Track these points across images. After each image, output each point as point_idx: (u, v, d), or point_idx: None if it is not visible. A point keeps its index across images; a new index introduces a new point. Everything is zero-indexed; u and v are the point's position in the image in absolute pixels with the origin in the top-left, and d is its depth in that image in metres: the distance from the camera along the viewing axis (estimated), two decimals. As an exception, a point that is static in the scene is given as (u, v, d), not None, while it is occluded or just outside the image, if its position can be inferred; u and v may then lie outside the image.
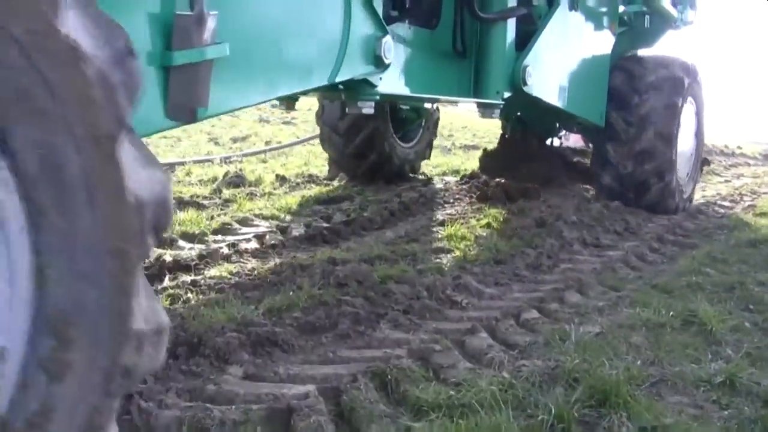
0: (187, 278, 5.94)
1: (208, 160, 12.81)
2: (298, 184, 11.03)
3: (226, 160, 12.87)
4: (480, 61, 7.57)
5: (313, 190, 10.50)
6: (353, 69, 5.48)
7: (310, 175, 11.67)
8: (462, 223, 8.42)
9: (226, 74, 4.20)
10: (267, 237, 7.67)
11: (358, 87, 5.88)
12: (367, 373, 3.98)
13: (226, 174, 10.65)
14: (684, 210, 10.22)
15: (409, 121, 11.68)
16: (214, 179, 10.30)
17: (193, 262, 6.44)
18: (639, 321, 5.16)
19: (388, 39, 5.66)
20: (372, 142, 10.77)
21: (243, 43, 4.36)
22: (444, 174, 13.32)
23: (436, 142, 13.61)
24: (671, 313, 5.32)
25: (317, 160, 13.40)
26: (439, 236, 7.90)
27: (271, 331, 4.53)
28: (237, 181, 10.27)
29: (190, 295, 5.46)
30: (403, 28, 6.67)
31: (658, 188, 9.73)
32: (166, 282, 5.87)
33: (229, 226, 8.13)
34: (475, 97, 7.60)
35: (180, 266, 6.35)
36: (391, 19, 6.41)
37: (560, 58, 8.55)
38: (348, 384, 3.82)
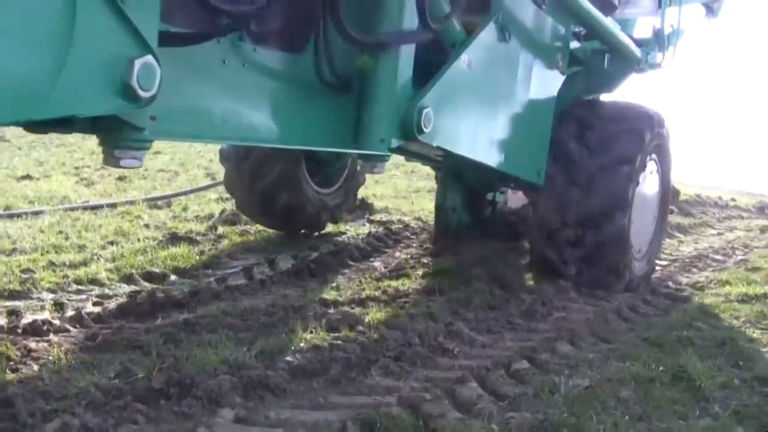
0: (180, 317, 5.99)
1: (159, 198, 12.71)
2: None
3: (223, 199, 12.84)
4: (362, 100, 5.80)
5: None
6: (79, 101, 3.67)
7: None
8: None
9: None
10: (255, 270, 7.90)
11: (114, 129, 4.14)
12: (357, 420, 4.01)
13: (222, 211, 10.70)
14: (636, 289, 8.33)
15: (327, 163, 10.02)
16: (210, 216, 10.36)
17: (185, 300, 6.52)
18: (628, 375, 5.18)
19: (146, 61, 3.82)
20: (282, 186, 9.26)
21: None
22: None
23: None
24: (661, 367, 5.35)
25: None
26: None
27: (263, 375, 4.58)
28: (233, 218, 10.31)
29: (183, 334, 5.50)
30: (241, 49, 4.95)
31: (605, 265, 8.01)
32: (159, 320, 5.93)
33: (218, 260, 8.32)
34: (356, 145, 5.83)
35: (173, 303, 6.42)
36: (220, 32, 4.72)
37: (479, 100, 6.76)
38: (337, 431, 3.87)
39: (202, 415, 4.07)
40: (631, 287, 8.21)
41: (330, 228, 10.49)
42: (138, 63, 3.76)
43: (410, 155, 8.55)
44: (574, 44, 8.47)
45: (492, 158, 7.13)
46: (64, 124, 4.05)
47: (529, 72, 7.50)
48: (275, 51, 5.25)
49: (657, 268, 9.58)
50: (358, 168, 10.51)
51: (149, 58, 3.83)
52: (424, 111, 5.70)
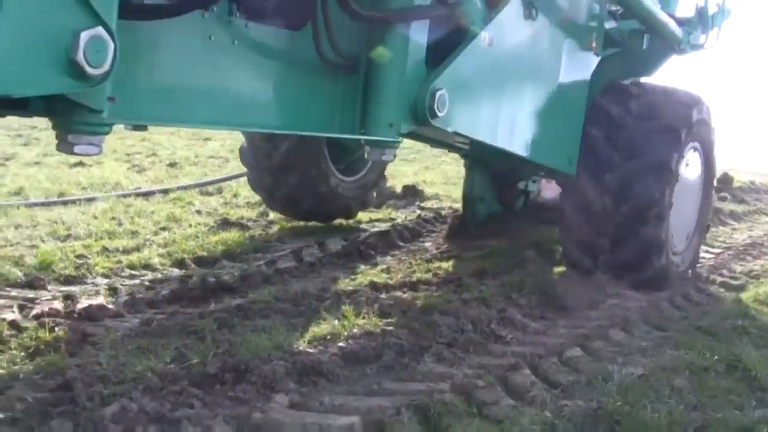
0: (232, 302, 6.06)
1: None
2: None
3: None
4: (369, 81, 5.37)
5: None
6: (16, 79, 3.28)
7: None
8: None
9: None
10: (304, 252, 8.04)
11: (68, 111, 3.68)
12: (411, 406, 4.05)
13: None
14: (678, 285, 7.80)
15: (351, 150, 9.43)
16: (261, 202, 10.45)
17: (236, 284, 6.60)
18: (683, 364, 5.17)
19: (95, 34, 3.36)
20: (307, 181, 8.95)
21: None
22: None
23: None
24: (715, 356, 5.33)
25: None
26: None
27: (317, 360, 4.63)
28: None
29: (236, 319, 5.56)
30: (230, 25, 4.52)
31: (642, 269, 7.42)
32: (212, 305, 6.00)
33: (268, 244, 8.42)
34: (363, 131, 5.40)
35: (224, 288, 6.50)
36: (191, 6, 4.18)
37: (501, 82, 6.30)
38: (391, 417, 3.90)
39: (257, 400, 4.12)
40: (671, 284, 7.69)
41: (380, 214, 10.52)
42: (85, 36, 3.32)
43: (429, 142, 8.41)
44: (610, 24, 8.01)
45: (516, 145, 6.71)
46: (18, 106, 3.71)
47: (559, 53, 7.10)
48: (270, 27, 4.81)
49: (710, 256, 9.50)
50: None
51: (99, 30, 3.38)
52: (438, 93, 5.34)
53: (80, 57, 3.32)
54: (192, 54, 4.33)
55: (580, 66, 7.53)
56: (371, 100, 5.32)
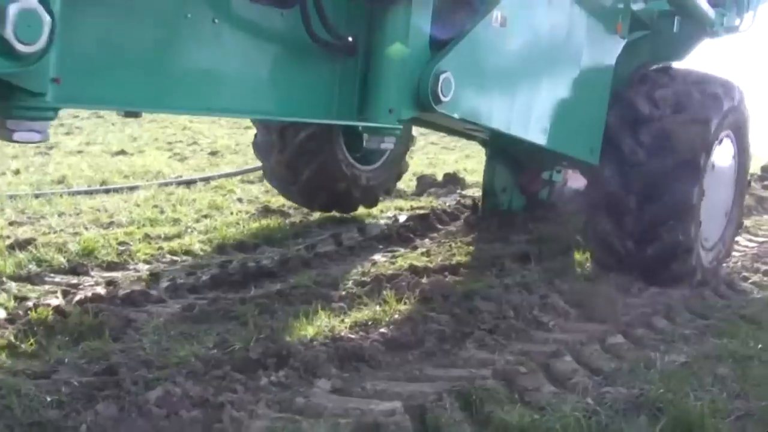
0: (273, 287, 6.14)
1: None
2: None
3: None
4: (367, 63, 4.94)
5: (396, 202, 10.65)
6: None
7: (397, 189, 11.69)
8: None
9: None
10: (343, 236, 8.13)
11: (4, 93, 3.19)
12: (452, 392, 4.06)
13: None
14: (707, 283, 7.22)
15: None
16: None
17: (276, 269, 6.69)
18: (726, 352, 5.12)
19: (25, 7, 2.96)
20: (324, 172, 8.58)
21: None
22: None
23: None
24: (759, 345, 5.28)
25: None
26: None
27: (359, 346, 4.68)
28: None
29: (277, 305, 5.61)
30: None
31: (670, 269, 6.93)
32: (253, 291, 6.06)
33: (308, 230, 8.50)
34: (361, 117, 4.97)
35: (264, 273, 6.57)
36: None
37: (515, 65, 5.81)
38: (433, 402, 3.91)
39: (299, 385, 4.17)
40: (701, 281, 7.15)
41: (422, 202, 10.55)
42: (12, 9, 2.92)
43: (442, 129, 8.20)
44: (638, 5, 7.41)
45: (532, 133, 6.21)
46: None
47: (581, 34, 6.58)
48: (256, 4, 4.32)
49: (753, 245, 9.41)
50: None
51: (30, 2, 2.97)
52: (443, 76, 4.85)
53: (8, 33, 2.93)
54: (165, 31, 3.89)
55: (603, 50, 7.04)
56: (370, 84, 4.89)
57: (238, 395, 3.96)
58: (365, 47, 4.90)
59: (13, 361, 4.40)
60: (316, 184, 8.63)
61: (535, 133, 6.25)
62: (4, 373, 4.15)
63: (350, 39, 4.82)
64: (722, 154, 7.55)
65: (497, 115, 5.74)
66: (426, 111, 5.04)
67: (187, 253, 7.28)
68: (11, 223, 7.91)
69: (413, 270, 6.76)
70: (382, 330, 5.08)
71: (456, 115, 5.24)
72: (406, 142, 9.71)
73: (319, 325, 5.11)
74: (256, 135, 8.85)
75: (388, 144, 5.11)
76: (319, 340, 4.80)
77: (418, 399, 4.01)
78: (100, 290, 5.79)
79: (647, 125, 7.00)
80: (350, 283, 6.31)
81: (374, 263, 7.11)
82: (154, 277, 6.37)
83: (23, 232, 7.39)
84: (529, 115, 6.11)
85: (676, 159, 6.78)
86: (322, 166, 8.48)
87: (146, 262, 6.91)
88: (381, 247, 7.88)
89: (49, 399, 3.82)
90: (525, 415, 3.83)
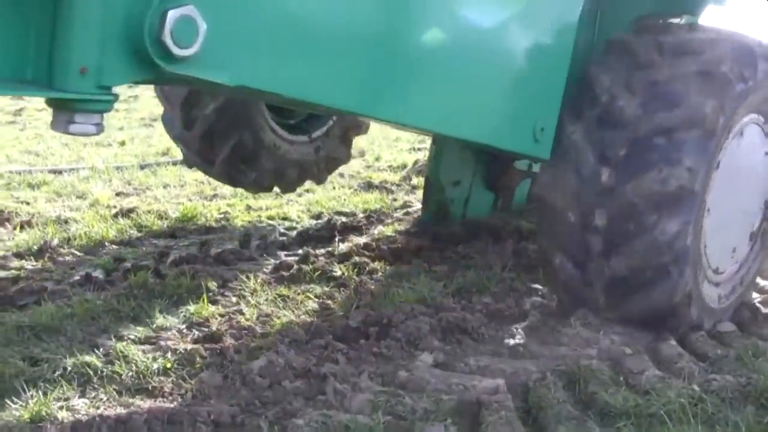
0: (360, 239, 6.72)
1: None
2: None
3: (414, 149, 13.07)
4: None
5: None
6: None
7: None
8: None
9: None
10: None
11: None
12: (556, 371, 4.34)
13: (415, 162, 11.13)
14: (706, 329, 5.36)
15: None
16: (403, 166, 10.94)
17: (371, 227, 7.30)
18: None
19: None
20: (244, 148, 7.24)
21: None
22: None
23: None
24: None
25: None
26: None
27: (461, 318, 5.00)
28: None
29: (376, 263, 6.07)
30: None
31: (653, 294, 5.00)
32: (341, 246, 6.67)
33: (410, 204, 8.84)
34: (46, 84, 3.27)
35: (353, 227, 7.31)
36: None
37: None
38: (536, 381, 4.22)
39: (401, 357, 4.52)
40: (703, 323, 5.36)
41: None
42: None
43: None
44: None
45: (409, 114, 4.50)
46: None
47: None
48: None
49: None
50: None
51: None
52: (173, 15, 3.23)
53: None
54: None
55: None
56: (57, 33, 3.28)
57: (340, 366, 4.31)
58: None
59: (117, 325, 4.91)
60: (236, 161, 7.40)
61: (416, 114, 4.54)
62: (111, 338, 4.65)
63: None
64: (743, 149, 5.51)
65: (322, 84, 4.00)
66: (149, 74, 3.41)
67: (284, 218, 7.96)
68: (118, 194, 8.59)
69: (519, 234, 7.02)
70: (486, 300, 5.41)
71: (206, 77, 3.54)
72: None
73: (421, 292, 5.45)
74: (164, 112, 7.51)
75: (87, 126, 3.36)
76: (420, 309, 5.13)
77: (521, 377, 4.29)
78: (194, 250, 6.36)
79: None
80: (454, 245, 6.70)
81: (479, 224, 7.31)
82: (247, 237, 6.98)
83: (128, 203, 8.08)
84: (401, 87, 4.38)
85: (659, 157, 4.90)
86: (240, 140, 7.23)
87: (242, 227, 7.56)
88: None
89: (155, 366, 4.28)
90: (629, 398, 4.05)
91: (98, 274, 5.90)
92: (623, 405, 4.01)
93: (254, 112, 7.14)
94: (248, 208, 8.31)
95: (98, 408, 3.83)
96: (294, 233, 7.22)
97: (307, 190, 9.30)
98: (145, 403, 3.92)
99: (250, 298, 5.42)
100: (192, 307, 5.23)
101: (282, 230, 7.37)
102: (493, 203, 7.55)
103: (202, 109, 6.95)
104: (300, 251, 6.55)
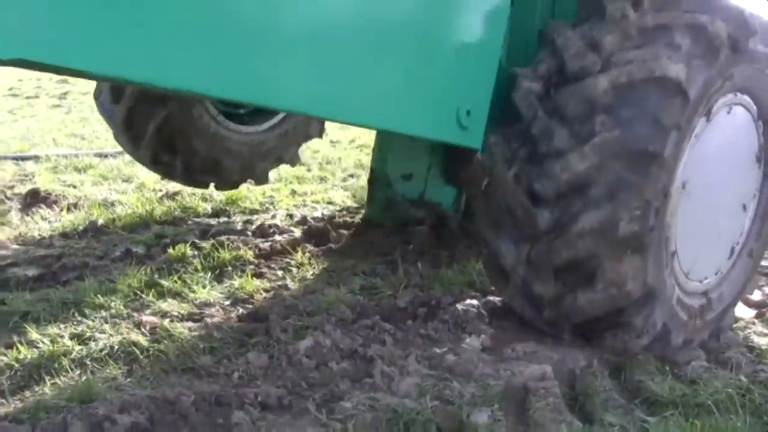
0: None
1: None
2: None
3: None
4: None
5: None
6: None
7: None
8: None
9: None
10: None
11: None
12: (603, 359, 4.45)
13: None
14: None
15: None
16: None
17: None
18: None
19: None
20: (172, 130, 6.85)
21: None
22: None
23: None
24: None
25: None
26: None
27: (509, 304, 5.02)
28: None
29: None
30: None
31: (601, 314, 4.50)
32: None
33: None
34: None
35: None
36: None
37: None
38: (583, 369, 4.33)
39: (448, 340, 4.62)
40: (669, 344, 4.71)
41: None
42: None
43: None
44: None
45: (279, 96, 3.75)
46: None
47: None
48: None
49: None
50: None
51: None
52: None
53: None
54: None
55: None
56: None
57: (387, 348, 4.42)
58: None
59: (160, 301, 5.07)
60: (162, 145, 6.99)
61: (285, 96, 3.77)
62: (155, 314, 4.83)
63: None
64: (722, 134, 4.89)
65: (144, 58, 3.07)
66: None
67: (329, 203, 8.23)
68: (163, 177, 8.67)
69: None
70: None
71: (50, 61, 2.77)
72: None
73: (470, 275, 5.58)
74: (98, 89, 7.10)
75: None
76: (469, 292, 5.26)
77: (568, 364, 4.38)
78: (236, 226, 6.66)
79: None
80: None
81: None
82: (290, 216, 7.30)
83: (173, 186, 8.29)
84: (262, 64, 3.56)
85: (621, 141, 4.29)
86: (167, 121, 6.79)
87: (285, 208, 7.84)
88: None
89: (201, 345, 4.43)
90: (676, 387, 4.14)
91: (138, 249, 6.15)
92: (670, 394, 4.10)
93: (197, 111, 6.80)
94: (292, 192, 8.59)
95: (145, 388, 3.94)
96: (345, 214, 7.54)
97: (351, 176, 9.60)
98: (192, 384, 4.02)
99: (295, 272, 5.56)
100: (236, 282, 5.39)
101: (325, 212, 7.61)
102: (455, 199, 6.67)
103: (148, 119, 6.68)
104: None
